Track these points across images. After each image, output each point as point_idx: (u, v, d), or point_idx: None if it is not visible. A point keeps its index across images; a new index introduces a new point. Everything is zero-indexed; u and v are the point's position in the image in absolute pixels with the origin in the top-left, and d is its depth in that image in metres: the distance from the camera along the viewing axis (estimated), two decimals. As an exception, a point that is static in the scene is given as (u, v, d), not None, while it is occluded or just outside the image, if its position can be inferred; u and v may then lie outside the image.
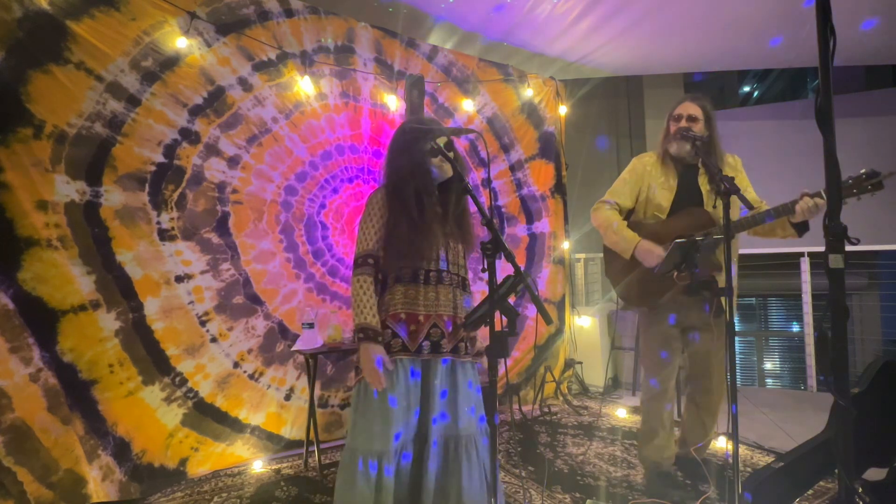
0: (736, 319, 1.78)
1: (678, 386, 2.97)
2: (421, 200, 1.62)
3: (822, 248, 1.28)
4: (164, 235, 2.49)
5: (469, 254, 1.80)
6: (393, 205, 1.63)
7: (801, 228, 2.05)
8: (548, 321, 1.36)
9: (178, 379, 2.50)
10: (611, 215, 2.30)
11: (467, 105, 3.55)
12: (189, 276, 2.56)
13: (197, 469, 2.54)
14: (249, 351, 2.72)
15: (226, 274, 2.67)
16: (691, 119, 2.21)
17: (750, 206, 1.91)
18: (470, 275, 1.88)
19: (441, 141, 1.64)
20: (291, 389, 2.85)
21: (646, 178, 2.31)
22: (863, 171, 1.83)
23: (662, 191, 2.26)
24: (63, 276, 2.21)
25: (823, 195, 1.91)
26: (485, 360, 1.40)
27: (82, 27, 2.24)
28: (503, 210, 3.78)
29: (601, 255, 4.71)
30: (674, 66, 4.58)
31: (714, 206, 2.16)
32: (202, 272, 2.60)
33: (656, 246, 2.15)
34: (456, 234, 1.72)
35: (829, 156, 1.27)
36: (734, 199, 1.69)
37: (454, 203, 1.72)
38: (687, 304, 2.20)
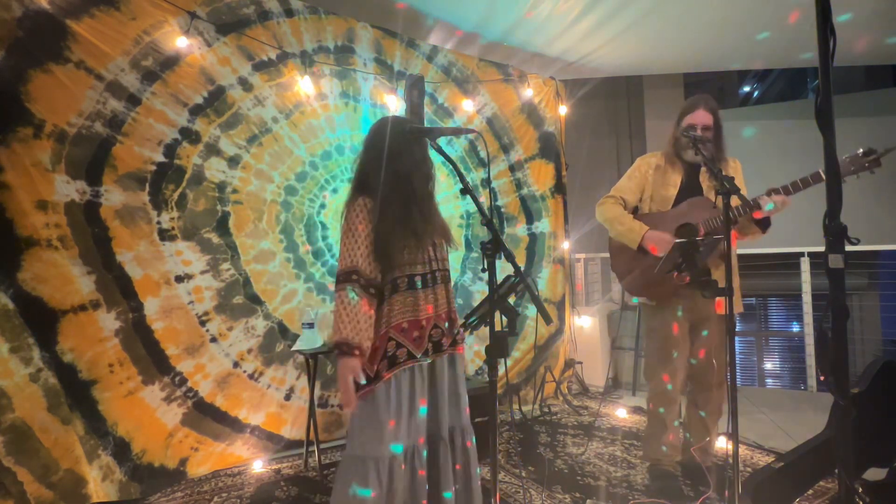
0: (736, 319, 1.79)
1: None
2: (420, 208, 1.56)
3: (822, 248, 1.28)
4: (165, 235, 2.49)
5: (450, 243, 1.72)
6: (387, 214, 1.51)
7: (765, 225, 2.16)
8: (548, 321, 1.35)
9: (177, 379, 2.50)
10: (615, 208, 2.35)
11: (467, 105, 3.55)
12: (189, 276, 2.55)
13: (197, 469, 2.54)
14: (249, 351, 2.72)
15: (226, 274, 2.67)
16: (706, 129, 2.21)
17: (751, 206, 1.91)
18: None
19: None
20: (291, 389, 2.85)
21: (650, 178, 2.36)
22: (860, 149, 1.91)
23: (667, 188, 2.31)
24: (63, 276, 2.21)
25: (781, 191, 1.99)
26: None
27: (82, 26, 2.24)
28: (503, 210, 3.78)
29: (601, 255, 4.72)
30: (674, 66, 4.58)
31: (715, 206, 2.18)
32: (202, 272, 2.60)
33: (664, 233, 2.19)
34: (438, 230, 1.65)
35: (829, 156, 1.27)
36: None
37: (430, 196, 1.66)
38: (692, 298, 2.21)
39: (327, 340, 2.62)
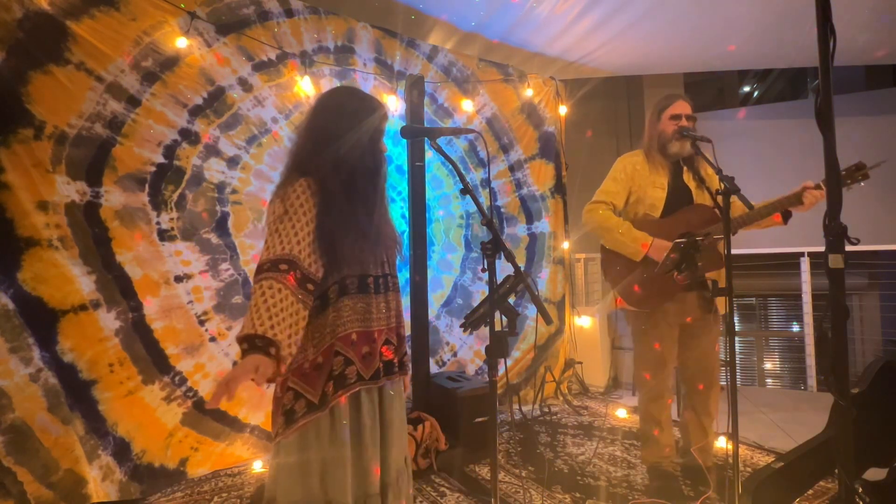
0: (736, 319, 1.79)
1: (676, 387, 2.97)
2: (376, 193, 1.36)
3: (822, 248, 1.28)
4: (164, 235, 2.49)
5: (399, 251, 1.50)
6: (335, 199, 1.26)
7: (787, 216, 2.16)
8: (548, 321, 1.32)
9: (177, 378, 2.50)
10: (610, 216, 2.28)
11: (467, 105, 3.55)
12: (188, 276, 2.56)
13: (197, 469, 2.54)
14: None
15: (225, 274, 2.67)
16: (690, 118, 2.23)
17: (750, 206, 1.91)
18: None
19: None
20: (291, 389, 2.85)
21: (636, 178, 2.30)
22: (852, 165, 1.94)
23: (655, 189, 2.26)
24: (63, 276, 2.21)
25: (822, 185, 1.99)
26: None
27: (82, 27, 2.24)
28: (502, 210, 3.78)
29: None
30: (674, 66, 4.58)
31: (715, 206, 2.18)
32: (201, 272, 2.60)
33: (670, 243, 2.13)
34: (386, 230, 1.42)
35: (829, 156, 1.27)
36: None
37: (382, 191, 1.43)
38: (684, 301, 2.20)
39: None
